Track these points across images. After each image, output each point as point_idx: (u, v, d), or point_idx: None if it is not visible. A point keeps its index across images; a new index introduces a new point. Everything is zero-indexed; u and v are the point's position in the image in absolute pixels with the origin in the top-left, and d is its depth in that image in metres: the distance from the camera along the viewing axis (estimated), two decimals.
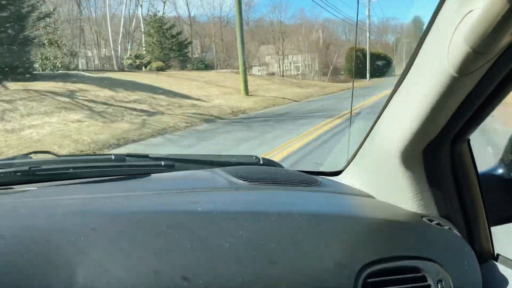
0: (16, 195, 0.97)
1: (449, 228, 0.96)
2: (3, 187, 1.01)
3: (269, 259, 0.74)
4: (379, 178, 1.10)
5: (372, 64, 58.98)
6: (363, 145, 1.14)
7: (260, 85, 24.30)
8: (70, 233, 0.72)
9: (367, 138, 1.11)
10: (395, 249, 0.85)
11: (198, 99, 16.19)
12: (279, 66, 47.16)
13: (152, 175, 1.17)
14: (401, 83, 0.90)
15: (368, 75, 48.34)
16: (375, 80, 46.80)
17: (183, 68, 30.48)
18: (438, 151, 0.95)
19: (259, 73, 50.92)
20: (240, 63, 18.38)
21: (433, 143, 0.92)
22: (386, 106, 0.98)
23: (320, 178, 1.24)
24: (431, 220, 0.97)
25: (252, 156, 1.37)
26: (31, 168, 1.07)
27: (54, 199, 0.92)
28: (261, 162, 1.34)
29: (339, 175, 1.30)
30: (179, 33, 34.43)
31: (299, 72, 46.67)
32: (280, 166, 1.39)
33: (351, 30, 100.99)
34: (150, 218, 0.80)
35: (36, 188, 1.02)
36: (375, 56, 65.57)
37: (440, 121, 0.85)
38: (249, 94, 18.69)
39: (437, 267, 0.83)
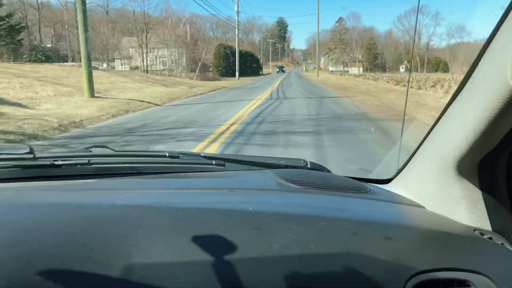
0: (78, 186, 1.06)
1: (502, 243, 0.93)
2: (65, 178, 1.11)
3: (317, 263, 0.74)
4: (431, 188, 1.07)
5: (241, 63, 59.00)
6: (415, 154, 1.14)
7: (115, 83, 19.89)
8: (129, 225, 0.76)
9: (420, 148, 1.11)
10: (445, 260, 0.83)
11: (15, 104, 11.47)
12: (143, 60, 42.54)
13: (204, 173, 1.21)
14: (458, 93, 0.90)
15: (237, 74, 46.68)
16: (244, 79, 46.82)
17: (15, 58, 24.50)
18: (495, 163, 0.93)
19: (122, 68, 45.95)
20: (82, 55, 13.93)
21: (489, 155, 0.91)
22: (442, 116, 0.98)
23: (369, 185, 1.23)
24: (483, 234, 0.95)
25: (300, 159, 1.37)
26: (90, 161, 1.16)
27: (114, 192, 1.00)
28: (309, 166, 1.34)
29: (389, 183, 1.28)
30: (9, 15, 27.76)
31: (165, 67, 42.71)
32: (328, 171, 1.39)
33: (219, 26, 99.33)
34: (203, 215, 0.83)
35: (96, 180, 1.12)
36: (245, 55, 66.92)
37: (499, 134, 0.84)
38: (96, 95, 14.37)
39: (488, 282, 0.80)
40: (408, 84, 3.78)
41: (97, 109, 11.52)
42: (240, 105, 13.81)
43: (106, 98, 14.43)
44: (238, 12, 46.53)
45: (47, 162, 1.13)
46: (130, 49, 46.00)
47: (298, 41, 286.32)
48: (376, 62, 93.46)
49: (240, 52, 63.00)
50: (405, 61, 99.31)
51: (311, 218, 0.87)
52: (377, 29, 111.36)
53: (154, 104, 14.30)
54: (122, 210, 0.83)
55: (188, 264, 0.69)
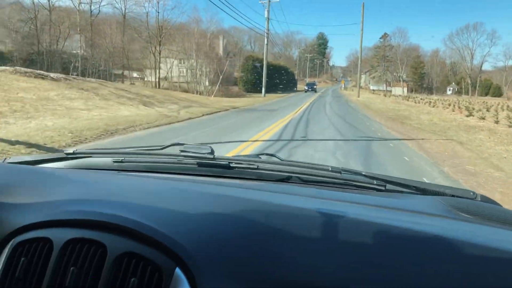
0: (250, 186, 1.19)
1: None
2: (236, 179, 1.27)
3: None
4: None
5: (273, 78, 52.59)
6: None
7: (52, 101, 13.42)
8: (297, 226, 0.82)
9: None
10: None
11: None
12: (155, 70, 36.92)
13: (364, 190, 1.22)
14: None
15: (263, 89, 39.84)
16: (271, 96, 40.39)
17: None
18: None
19: (152, 78, 40.28)
20: None
21: None
22: None
23: None
24: None
25: (469, 191, 1.29)
26: (259, 167, 1.28)
27: (280, 194, 1.07)
28: (479, 198, 1.27)
29: None
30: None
31: (186, 80, 37.11)
32: (499, 205, 1.29)
33: (257, 40, 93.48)
34: (363, 227, 0.83)
35: (263, 183, 1.25)
36: (278, 69, 60.76)
37: None
38: None
39: None
40: None
41: None
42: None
43: None
44: (268, 19, 39.97)
45: (224, 163, 1.30)
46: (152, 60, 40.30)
47: (338, 57, 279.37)
48: (421, 83, 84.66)
49: (272, 65, 56.64)
50: (453, 83, 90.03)
51: (481, 247, 0.80)
52: (423, 48, 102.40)
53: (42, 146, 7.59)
54: (291, 210, 0.91)
55: (340, 271, 0.71)
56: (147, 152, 1.46)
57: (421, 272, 0.71)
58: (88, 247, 0.77)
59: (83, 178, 1.15)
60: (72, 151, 1.40)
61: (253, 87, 47.16)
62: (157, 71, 38.78)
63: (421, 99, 46.00)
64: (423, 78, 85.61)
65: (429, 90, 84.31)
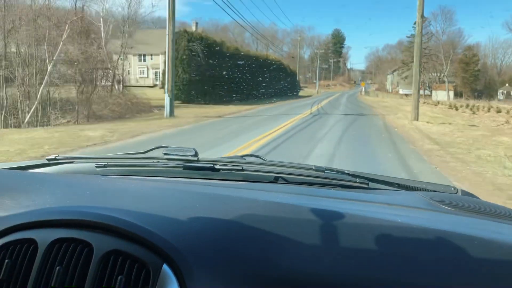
0: (235, 186, 1.21)
1: None
2: (221, 181, 1.27)
3: (466, 281, 0.73)
4: None
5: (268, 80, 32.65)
6: None
7: None
8: (287, 222, 0.84)
9: None
10: None
11: None
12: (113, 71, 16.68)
13: (348, 188, 1.24)
14: None
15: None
16: (249, 108, 20.53)
17: None
18: None
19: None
20: None
21: None
22: None
23: None
24: None
25: (450, 186, 1.35)
26: (244, 168, 1.30)
27: (266, 192, 1.08)
28: (460, 193, 1.31)
29: None
30: None
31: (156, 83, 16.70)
32: (478, 198, 1.35)
33: (261, 37, 74.14)
34: (355, 223, 0.86)
35: (248, 183, 1.27)
36: (275, 69, 41.40)
37: None
38: None
39: None
40: None
41: None
42: None
43: None
44: None
45: (209, 165, 1.31)
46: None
47: (355, 59, 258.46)
48: (474, 84, 62.52)
49: (261, 61, 37.14)
50: (506, 84, 67.50)
51: (464, 236, 0.83)
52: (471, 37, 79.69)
53: None
54: (279, 207, 0.93)
55: (339, 263, 0.73)
56: (130, 156, 1.47)
57: (408, 261, 0.73)
58: (74, 247, 0.75)
59: (66, 181, 1.16)
60: (53, 157, 1.42)
61: (201, 94, 26.58)
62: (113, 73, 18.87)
63: (482, 106, 28.60)
64: (476, 78, 63.25)
65: (478, 94, 62.34)
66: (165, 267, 0.70)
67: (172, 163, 1.35)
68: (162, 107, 20.48)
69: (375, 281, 0.69)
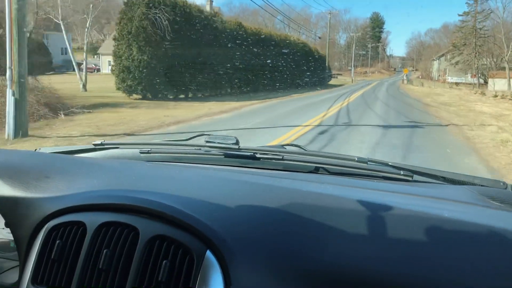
0: (275, 175, 1.19)
1: None
2: (262, 169, 1.29)
3: (506, 277, 0.70)
4: None
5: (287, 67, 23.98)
6: None
7: None
8: (329, 213, 0.84)
9: None
10: None
11: None
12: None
13: (391, 181, 1.21)
14: None
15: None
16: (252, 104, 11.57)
17: None
18: None
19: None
20: None
21: None
22: None
23: None
24: None
25: (499, 181, 1.27)
26: (284, 157, 1.28)
27: (307, 182, 1.08)
28: (509, 188, 1.24)
29: None
30: None
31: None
32: None
33: (299, 21, 64.60)
34: (399, 216, 0.84)
35: (288, 173, 1.24)
36: (297, 52, 32.49)
37: None
38: None
39: None
40: None
41: None
42: None
43: None
44: None
45: (249, 154, 1.30)
46: None
47: (396, 45, 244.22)
48: None
49: (278, 43, 28.89)
50: None
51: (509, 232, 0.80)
52: None
53: None
54: (320, 197, 0.91)
55: (374, 254, 0.71)
56: (173, 143, 1.49)
57: (455, 257, 0.71)
58: (120, 231, 0.78)
59: (113, 166, 1.18)
60: (100, 142, 1.45)
61: (176, 85, 18.10)
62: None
63: None
64: None
65: None
66: (208, 253, 0.72)
67: (213, 151, 1.35)
68: (85, 106, 12.59)
69: (421, 277, 0.67)
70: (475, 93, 31.18)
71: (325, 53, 47.71)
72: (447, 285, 0.66)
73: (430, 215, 0.83)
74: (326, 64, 45.85)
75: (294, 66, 33.49)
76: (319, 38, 59.11)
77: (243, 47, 23.60)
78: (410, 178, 1.20)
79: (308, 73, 38.33)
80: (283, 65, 30.88)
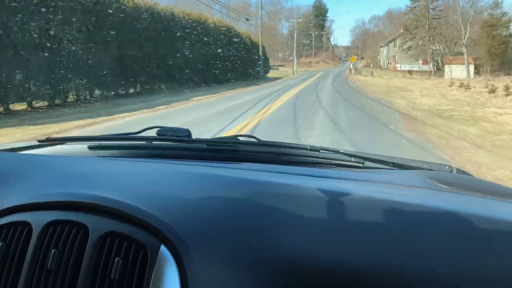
0: (227, 166, 1.16)
1: None
2: (216, 160, 1.23)
3: (466, 259, 0.71)
4: None
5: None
6: None
7: None
8: (285, 202, 0.83)
9: None
10: None
11: None
12: None
13: (343, 168, 1.22)
14: None
15: None
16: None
17: None
18: None
19: None
20: None
21: None
22: None
23: None
24: None
25: (445, 164, 1.33)
26: (238, 148, 1.28)
27: (258, 172, 1.07)
28: (455, 172, 1.30)
29: None
30: None
31: None
32: (472, 176, 1.35)
33: (233, 11, 55.47)
34: (353, 202, 0.85)
35: (242, 164, 1.20)
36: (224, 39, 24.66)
37: None
38: None
39: None
40: None
41: None
42: None
43: None
44: None
45: (203, 145, 1.29)
46: None
47: (340, 34, 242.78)
48: (505, 54, 45.48)
49: (192, 27, 20.46)
50: None
51: (462, 214, 0.82)
52: None
53: None
54: (276, 186, 0.91)
55: (330, 242, 0.72)
56: (123, 137, 1.44)
57: (407, 240, 0.73)
58: (69, 229, 0.76)
59: (59, 163, 1.13)
60: (45, 138, 1.42)
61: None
62: None
63: None
64: (508, 46, 45.84)
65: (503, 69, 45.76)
66: (163, 248, 0.70)
67: (165, 144, 1.34)
68: None
69: (375, 260, 0.69)
70: (423, 80, 24.30)
71: (262, 43, 39.70)
72: (400, 268, 0.67)
73: (382, 200, 0.84)
74: (260, 54, 37.74)
75: (215, 58, 25.28)
76: (247, 20, 50.70)
77: (146, 33, 15.09)
78: (361, 165, 1.22)
79: (236, 65, 30.23)
80: (200, 57, 22.65)
